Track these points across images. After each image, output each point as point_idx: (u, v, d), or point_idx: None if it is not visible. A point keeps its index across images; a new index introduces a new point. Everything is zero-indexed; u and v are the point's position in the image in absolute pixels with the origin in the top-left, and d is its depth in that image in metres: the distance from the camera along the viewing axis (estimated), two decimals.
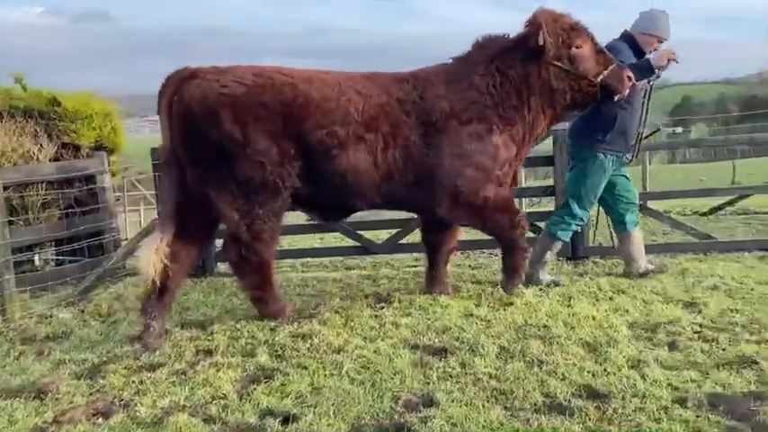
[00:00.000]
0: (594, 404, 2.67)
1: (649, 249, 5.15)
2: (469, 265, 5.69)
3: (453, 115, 3.93)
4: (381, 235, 6.12)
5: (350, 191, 3.94)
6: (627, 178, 4.76)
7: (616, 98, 4.17)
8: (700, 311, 3.85)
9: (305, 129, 3.76)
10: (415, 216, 4.96)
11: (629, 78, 4.10)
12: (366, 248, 5.78)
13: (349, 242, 5.95)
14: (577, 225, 4.76)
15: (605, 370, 3.01)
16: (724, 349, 3.21)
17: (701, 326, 3.59)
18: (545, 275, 4.70)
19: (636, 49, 4.45)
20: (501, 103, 4.00)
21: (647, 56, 4.43)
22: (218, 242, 6.07)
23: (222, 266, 5.96)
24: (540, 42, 3.92)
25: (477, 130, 3.96)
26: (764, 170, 16.46)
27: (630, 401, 2.67)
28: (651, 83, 4.46)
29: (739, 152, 25.70)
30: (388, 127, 3.88)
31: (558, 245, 4.76)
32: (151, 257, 3.65)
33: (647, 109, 4.57)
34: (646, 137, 4.92)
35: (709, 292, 4.29)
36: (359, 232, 5.81)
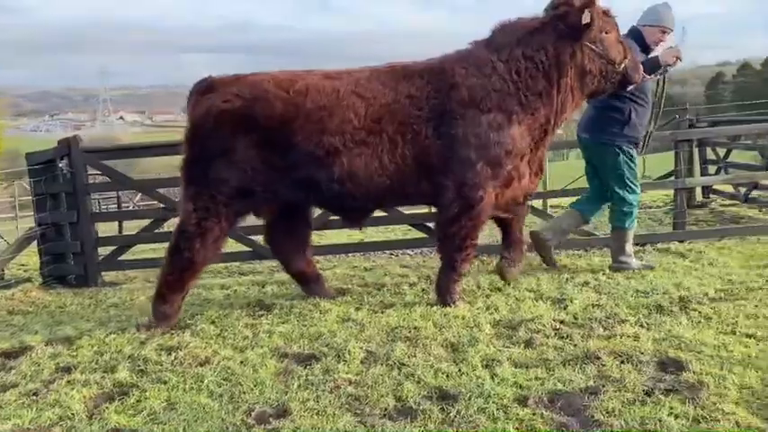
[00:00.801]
0: (440, 406, 2.73)
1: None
2: (364, 267, 5.73)
3: (472, 104, 3.87)
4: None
5: (355, 193, 3.95)
6: None
7: (629, 87, 4.32)
8: (565, 308, 3.99)
9: (299, 139, 3.84)
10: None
11: (641, 68, 4.29)
12: (259, 253, 5.71)
13: (242, 247, 5.86)
14: (636, 208, 4.86)
15: (460, 370, 3.09)
16: (575, 345, 3.35)
17: (561, 322, 3.72)
18: (636, 261, 4.87)
19: (642, 44, 4.64)
20: (525, 90, 3.93)
21: (655, 52, 4.64)
22: (103, 250, 5.91)
23: (107, 277, 5.75)
24: (586, 21, 3.89)
25: (497, 120, 3.89)
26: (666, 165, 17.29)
27: (475, 402, 2.74)
28: (661, 76, 4.67)
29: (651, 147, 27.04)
30: (396, 126, 3.87)
31: (631, 233, 4.89)
32: None
33: (661, 105, 4.83)
34: (658, 126, 5.14)
35: (579, 288, 4.46)
36: (251, 237, 5.73)
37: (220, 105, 3.91)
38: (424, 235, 5.78)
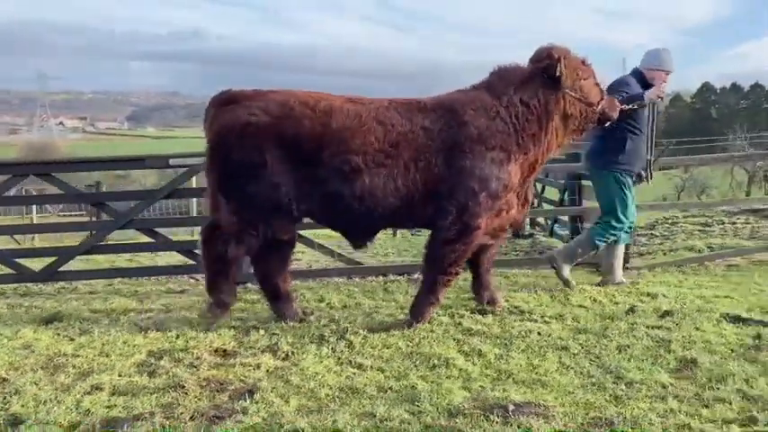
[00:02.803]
0: None
1: (296, 275, 5.38)
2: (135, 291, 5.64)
3: (479, 141, 4.24)
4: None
5: (373, 211, 4.21)
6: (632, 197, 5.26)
7: (607, 124, 4.76)
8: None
9: (322, 156, 4.09)
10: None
11: (618, 105, 4.75)
12: (24, 275, 5.61)
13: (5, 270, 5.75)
14: (614, 235, 5.22)
15: None
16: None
17: None
18: (567, 271, 5.18)
19: (644, 83, 5.15)
20: (522, 132, 4.34)
21: (646, 92, 5.05)
22: None
23: None
24: (558, 74, 4.32)
25: (499, 158, 4.28)
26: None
27: None
28: (650, 110, 5.16)
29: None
30: (411, 153, 4.18)
31: (592, 251, 5.26)
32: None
33: (652, 136, 5.27)
34: (655, 159, 5.46)
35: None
36: (18, 260, 5.65)
37: (246, 118, 4.10)
38: (192, 261, 5.79)
